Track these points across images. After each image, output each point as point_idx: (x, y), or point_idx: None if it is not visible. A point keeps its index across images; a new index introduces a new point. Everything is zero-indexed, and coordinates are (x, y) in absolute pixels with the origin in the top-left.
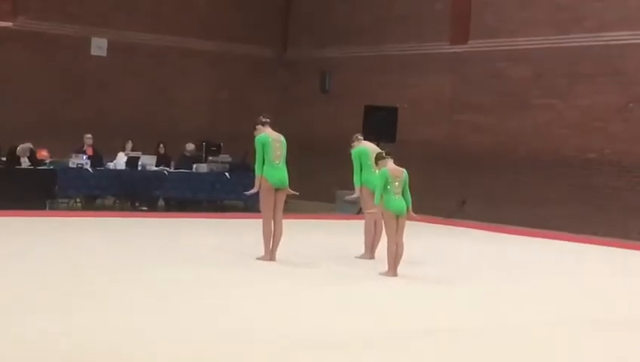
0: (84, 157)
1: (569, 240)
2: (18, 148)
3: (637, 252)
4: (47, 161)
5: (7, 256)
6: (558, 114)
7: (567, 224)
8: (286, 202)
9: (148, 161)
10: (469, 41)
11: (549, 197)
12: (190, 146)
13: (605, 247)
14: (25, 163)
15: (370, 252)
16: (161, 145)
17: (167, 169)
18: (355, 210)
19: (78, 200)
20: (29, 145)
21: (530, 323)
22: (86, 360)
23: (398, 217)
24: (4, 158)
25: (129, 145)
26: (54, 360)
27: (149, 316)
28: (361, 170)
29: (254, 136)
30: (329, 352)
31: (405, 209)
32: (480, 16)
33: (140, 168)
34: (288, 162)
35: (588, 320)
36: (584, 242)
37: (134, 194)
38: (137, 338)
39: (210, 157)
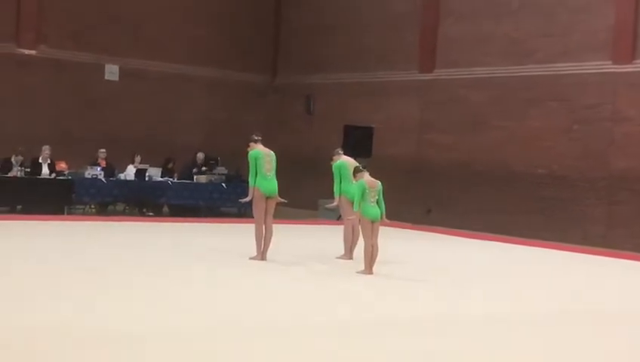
0: (98, 168)
1: (520, 244)
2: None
3: (580, 255)
4: (66, 172)
5: (34, 252)
6: (512, 134)
7: (519, 230)
8: (275, 209)
9: (154, 173)
10: (435, 70)
11: (504, 207)
12: (201, 155)
13: (553, 251)
14: (45, 171)
15: (349, 253)
16: (171, 163)
17: (171, 179)
18: (335, 216)
19: (92, 206)
20: (47, 147)
21: (484, 315)
22: (100, 343)
23: (373, 222)
24: (28, 169)
25: (137, 158)
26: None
27: (153, 304)
28: (340, 181)
29: (248, 152)
30: (311, 336)
31: (379, 215)
32: (445, 48)
33: (147, 179)
34: (278, 174)
35: (537, 313)
36: (534, 246)
37: (142, 202)
38: (143, 323)
39: (209, 170)
